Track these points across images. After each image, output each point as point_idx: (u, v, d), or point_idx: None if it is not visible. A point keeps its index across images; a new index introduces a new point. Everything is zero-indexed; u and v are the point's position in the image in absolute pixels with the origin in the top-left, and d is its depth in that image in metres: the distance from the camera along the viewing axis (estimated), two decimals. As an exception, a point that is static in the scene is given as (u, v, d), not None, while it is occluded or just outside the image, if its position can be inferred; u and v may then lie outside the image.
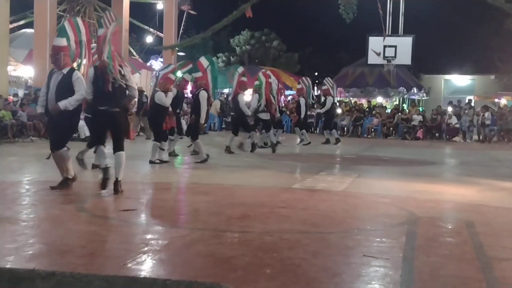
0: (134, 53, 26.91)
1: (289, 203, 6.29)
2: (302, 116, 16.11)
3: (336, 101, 20.47)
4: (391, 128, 22.42)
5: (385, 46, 23.35)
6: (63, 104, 6.25)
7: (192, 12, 23.47)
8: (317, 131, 21.66)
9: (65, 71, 6.46)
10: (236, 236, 4.64)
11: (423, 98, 30.07)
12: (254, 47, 39.15)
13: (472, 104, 25.29)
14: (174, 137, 11.03)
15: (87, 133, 13.91)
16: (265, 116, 13.44)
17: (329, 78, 18.01)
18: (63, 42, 6.59)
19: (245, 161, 11.10)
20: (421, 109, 25.15)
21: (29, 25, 23.55)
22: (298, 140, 16.34)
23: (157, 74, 11.99)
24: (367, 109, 24.82)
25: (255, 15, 13.13)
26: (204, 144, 10.80)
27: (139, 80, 20.82)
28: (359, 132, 22.36)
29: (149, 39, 28.20)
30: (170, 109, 10.17)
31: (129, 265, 3.68)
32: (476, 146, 18.89)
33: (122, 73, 6.52)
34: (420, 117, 21.76)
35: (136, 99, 8.23)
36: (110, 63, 6.38)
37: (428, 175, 9.69)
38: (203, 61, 10.83)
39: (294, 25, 41.92)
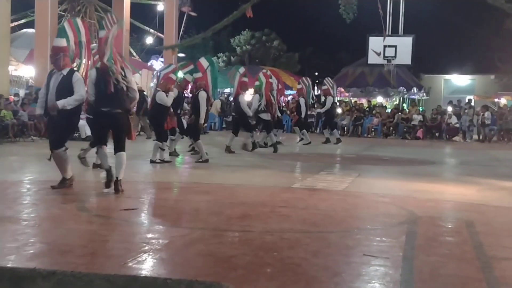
0: (134, 54, 26.92)
1: (289, 202, 6.30)
2: (303, 116, 16.15)
3: (336, 101, 20.47)
4: (391, 128, 22.43)
5: (385, 46, 23.36)
6: (61, 103, 6.25)
7: (192, 13, 23.49)
8: (317, 130, 21.68)
9: (64, 72, 6.46)
10: (237, 236, 4.65)
11: (423, 97, 30.08)
12: (254, 47, 39.15)
13: (472, 104, 25.31)
14: (175, 137, 11.05)
15: (88, 133, 13.92)
16: (265, 116, 13.46)
17: (329, 78, 18.03)
18: (62, 42, 6.59)
19: (246, 160, 11.10)
20: (421, 109, 25.16)
21: (30, 24, 23.57)
22: (298, 139, 16.39)
23: (158, 74, 12.00)
24: (367, 109, 24.84)
25: (255, 15, 13.14)
26: (204, 144, 10.81)
27: (140, 80, 20.83)
28: (359, 132, 22.37)
29: (149, 40, 28.21)
30: (171, 109, 10.19)
31: (130, 264, 3.69)
32: (476, 145, 18.90)
33: (124, 74, 6.55)
34: (420, 117, 21.77)
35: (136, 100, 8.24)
36: (111, 65, 6.41)
37: (428, 174, 9.70)
38: (203, 61, 10.84)
39: (295, 25, 41.97)
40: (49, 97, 6.43)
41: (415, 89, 28.72)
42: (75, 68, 6.68)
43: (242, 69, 13.17)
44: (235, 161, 10.82)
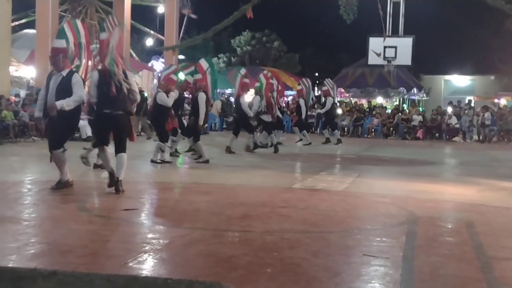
0: (134, 55, 26.94)
1: (289, 202, 6.31)
2: (303, 117, 16.20)
3: (336, 102, 20.50)
4: (391, 128, 22.45)
5: (385, 47, 23.38)
6: (60, 103, 6.25)
7: (193, 16, 23.52)
8: (318, 131, 21.70)
9: (64, 73, 6.46)
10: (237, 236, 4.65)
11: (423, 98, 30.10)
12: (255, 47, 39.16)
13: (472, 104, 25.32)
14: (176, 138, 11.07)
15: (89, 133, 13.94)
16: (266, 118, 13.49)
17: (329, 79, 18.08)
18: (62, 44, 6.60)
19: (246, 161, 11.12)
20: (421, 110, 25.18)
21: (31, 25, 23.58)
22: (298, 139, 16.42)
23: (159, 75, 12.02)
24: (368, 110, 24.86)
25: (256, 16, 13.13)
26: (205, 144, 10.82)
27: (140, 81, 20.85)
28: (360, 132, 22.39)
29: (149, 41, 28.22)
30: (172, 110, 10.21)
31: (130, 264, 3.70)
32: (476, 146, 18.91)
33: (125, 76, 6.58)
34: (420, 117, 21.78)
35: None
36: (112, 68, 6.43)
37: (428, 175, 9.71)
38: (203, 63, 10.86)
39: (295, 26, 41.99)
40: (48, 98, 6.43)
41: (415, 90, 28.74)
42: (74, 69, 6.69)
43: (243, 70, 13.20)
44: (235, 162, 10.83)
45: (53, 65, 6.59)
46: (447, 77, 35.40)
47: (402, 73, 27.80)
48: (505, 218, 5.87)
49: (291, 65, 39.07)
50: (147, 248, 4.12)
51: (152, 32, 26.97)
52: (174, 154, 11.10)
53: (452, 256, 4.17)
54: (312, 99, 19.75)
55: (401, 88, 28.07)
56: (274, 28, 39.43)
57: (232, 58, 39.42)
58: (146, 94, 18.77)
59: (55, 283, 2.69)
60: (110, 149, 6.81)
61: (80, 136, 14.07)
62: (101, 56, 6.70)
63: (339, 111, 22.38)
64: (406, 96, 28.93)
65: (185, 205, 6.18)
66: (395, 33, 24.67)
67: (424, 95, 29.78)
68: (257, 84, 13.64)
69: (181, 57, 27.76)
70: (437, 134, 21.75)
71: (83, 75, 6.82)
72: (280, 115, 15.76)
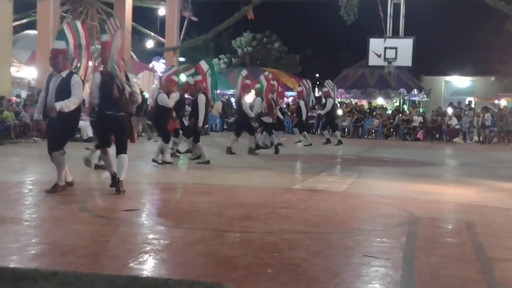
0: (134, 56, 26.95)
1: (290, 203, 6.32)
2: (304, 118, 16.24)
3: (337, 103, 20.52)
4: (392, 129, 22.45)
5: (385, 48, 23.34)
6: (59, 105, 6.24)
7: (193, 18, 23.53)
8: (318, 132, 21.72)
9: (64, 74, 6.46)
10: (238, 236, 4.66)
11: (423, 99, 30.11)
12: (255, 48, 39.18)
13: (472, 105, 25.33)
14: (178, 139, 11.08)
15: (90, 134, 13.95)
16: (266, 119, 13.51)
17: (329, 80, 18.12)
18: (62, 45, 6.60)
19: (246, 161, 11.13)
20: (421, 110, 25.18)
21: (31, 25, 23.60)
22: (297, 140, 16.42)
23: (160, 76, 12.04)
24: (368, 110, 24.87)
25: (256, 17, 13.14)
26: (205, 145, 10.83)
27: (141, 82, 20.85)
28: (360, 133, 22.40)
29: (150, 43, 28.23)
30: (174, 113, 10.22)
31: (131, 264, 3.71)
32: (476, 147, 18.91)
33: (127, 78, 6.61)
34: (420, 118, 21.79)
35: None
36: (115, 72, 6.46)
37: (429, 176, 9.71)
38: (203, 65, 10.88)
39: (296, 27, 42.06)
40: (48, 99, 6.43)
41: (415, 91, 28.74)
42: (74, 71, 6.70)
43: (244, 72, 13.19)
44: (236, 162, 10.84)
45: (52, 66, 6.59)
46: (448, 78, 35.40)
47: (402, 74, 27.80)
48: (505, 219, 5.88)
49: (291, 66, 39.09)
50: (147, 248, 4.13)
51: (152, 34, 26.98)
52: (175, 155, 11.10)
53: (452, 257, 4.17)
54: (312, 100, 19.78)
55: (401, 89, 28.08)
56: (274, 29, 39.51)
57: (232, 59, 39.43)
58: (146, 96, 18.78)
59: (55, 284, 2.70)
60: (112, 150, 6.83)
61: (81, 137, 14.08)
62: (102, 58, 6.72)
63: (340, 112, 22.40)
64: (406, 97, 28.94)
65: (186, 205, 6.19)
66: (395, 34, 24.65)
67: (425, 96, 29.78)
68: (258, 86, 13.65)
69: (182, 59, 27.75)
70: (437, 135, 21.76)
71: (82, 76, 6.83)
72: (281, 116, 15.77)
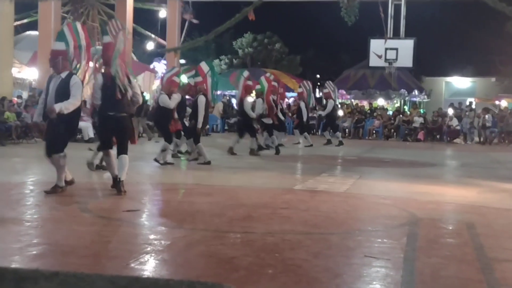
0: (135, 57, 26.96)
1: (291, 204, 6.32)
2: (305, 119, 16.25)
3: (337, 104, 20.53)
4: (392, 130, 22.46)
5: (386, 49, 23.35)
6: (58, 106, 6.23)
7: (194, 21, 23.56)
8: (319, 132, 21.72)
9: (63, 75, 6.46)
10: (238, 237, 4.66)
11: (424, 100, 30.10)
12: (256, 49, 39.19)
13: (473, 106, 25.34)
14: (180, 140, 11.08)
15: (91, 134, 13.97)
16: (267, 120, 13.52)
17: (330, 81, 18.15)
18: (62, 46, 6.60)
19: (247, 162, 11.13)
20: (422, 111, 25.20)
21: (33, 25, 23.62)
22: (297, 141, 16.43)
23: (161, 78, 12.05)
24: (369, 111, 24.88)
25: (257, 18, 13.19)
26: (206, 146, 10.83)
27: (142, 83, 20.87)
28: (361, 134, 22.40)
29: (150, 45, 28.24)
30: (176, 114, 10.23)
31: (132, 265, 3.71)
32: (477, 148, 18.90)
33: (129, 80, 6.63)
34: (421, 119, 21.79)
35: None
36: (117, 75, 6.47)
37: (429, 176, 9.72)
38: (204, 66, 10.89)
39: (296, 28, 42.05)
40: (48, 100, 6.43)
41: (416, 92, 28.74)
42: (74, 72, 6.70)
43: (246, 73, 13.19)
44: (236, 163, 10.84)
45: (52, 67, 6.60)
46: (448, 79, 35.39)
47: (403, 75, 27.80)
48: (506, 220, 5.88)
49: (292, 67, 39.09)
50: (148, 249, 4.14)
51: (153, 36, 26.99)
52: (176, 155, 11.10)
53: (453, 257, 4.18)
54: (312, 102, 19.79)
55: (402, 90, 28.08)
56: (275, 30, 39.52)
57: (233, 60, 39.44)
58: (147, 96, 18.79)
59: (57, 284, 2.70)
60: (113, 151, 6.84)
61: (82, 138, 14.09)
62: (104, 59, 6.72)
63: (340, 112, 22.41)
64: (407, 97, 28.94)
65: (187, 206, 6.19)
66: (396, 35, 24.65)
67: (425, 97, 29.77)
68: (258, 87, 13.66)
69: (182, 61, 27.78)
70: (438, 136, 21.76)
71: (81, 77, 6.83)
72: (282, 117, 15.78)
